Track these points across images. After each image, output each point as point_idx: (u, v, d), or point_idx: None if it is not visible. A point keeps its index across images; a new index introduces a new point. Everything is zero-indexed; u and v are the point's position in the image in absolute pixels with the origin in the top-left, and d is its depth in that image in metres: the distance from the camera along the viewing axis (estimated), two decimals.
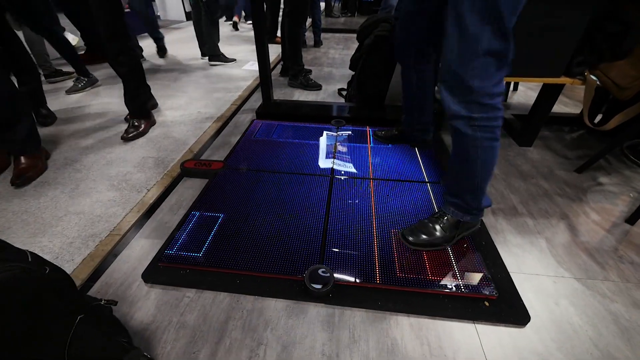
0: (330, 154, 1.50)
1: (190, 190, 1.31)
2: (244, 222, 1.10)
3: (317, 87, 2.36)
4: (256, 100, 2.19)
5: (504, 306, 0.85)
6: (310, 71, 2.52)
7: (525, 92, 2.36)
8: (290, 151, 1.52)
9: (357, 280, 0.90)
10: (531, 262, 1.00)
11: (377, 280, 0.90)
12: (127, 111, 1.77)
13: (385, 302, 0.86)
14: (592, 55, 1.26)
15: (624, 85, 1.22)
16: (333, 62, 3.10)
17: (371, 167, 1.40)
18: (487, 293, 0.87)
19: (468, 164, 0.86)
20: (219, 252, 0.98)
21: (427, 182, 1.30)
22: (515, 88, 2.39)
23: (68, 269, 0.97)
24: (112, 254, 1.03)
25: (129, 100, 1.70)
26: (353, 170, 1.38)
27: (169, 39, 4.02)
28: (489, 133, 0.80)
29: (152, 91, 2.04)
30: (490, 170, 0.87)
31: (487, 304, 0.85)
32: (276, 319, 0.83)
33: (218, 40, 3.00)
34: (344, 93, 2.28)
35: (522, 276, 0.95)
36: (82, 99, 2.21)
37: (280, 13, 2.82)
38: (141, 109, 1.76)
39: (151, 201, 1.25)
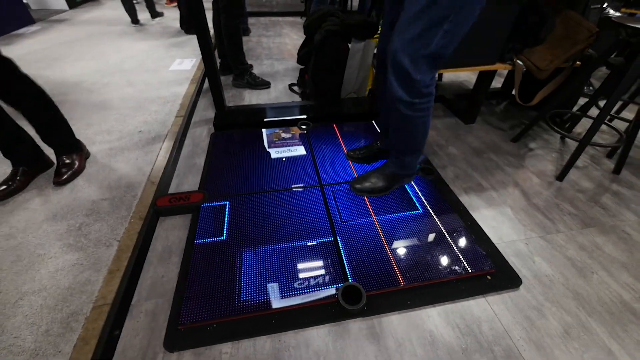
0: (309, 161, 1.49)
1: (174, 231, 1.17)
2: (254, 255, 1.05)
3: (265, 84, 2.24)
4: (204, 109, 2.00)
5: (501, 276, 1.02)
6: (251, 66, 2.37)
7: (455, 72, 2.64)
8: (269, 165, 1.46)
9: (384, 287, 0.97)
10: (506, 231, 1.20)
11: (400, 282, 0.98)
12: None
13: (413, 300, 0.95)
14: (519, 42, 1.48)
15: (542, 68, 1.48)
16: (270, 52, 2.95)
17: (354, 169, 1.45)
18: (487, 268, 1.03)
19: (408, 135, 1.12)
20: (242, 296, 0.93)
21: None
22: None
23: None
24: (111, 330, 0.89)
25: (47, 134, 1.36)
26: (338, 175, 1.41)
27: (53, 36, 3.27)
28: (425, 112, 1.04)
29: (69, 114, 1.68)
30: (424, 137, 1.14)
31: (489, 277, 1.02)
32: (324, 347, 0.85)
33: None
34: (296, 89, 2.23)
35: (504, 244, 1.15)
36: None
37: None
38: (68, 141, 1.44)
39: (129, 254, 1.09)
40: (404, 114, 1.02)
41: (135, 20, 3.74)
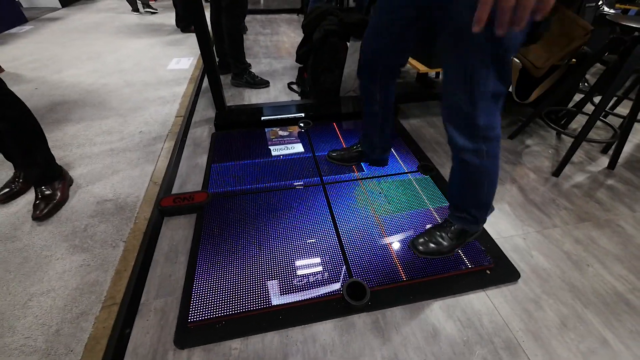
0: (311, 159, 1.51)
1: (180, 230, 1.19)
2: (259, 253, 1.07)
3: (264, 83, 2.25)
4: (204, 109, 2.00)
5: (500, 270, 1.05)
6: (249, 65, 2.37)
7: None
8: (271, 163, 1.48)
9: (387, 283, 0.99)
10: (504, 226, 1.24)
11: (402, 278, 1.01)
12: None
13: (415, 295, 0.97)
14: None
15: (539, 65, 1.51)
16: (268, 51, 2.95)
17: (354, 166, 1.47)
18: (487, 263, 1.06)
19: (476, 187, 0.94)
20: (248, 293, 0.95)
21: (408, 172, 1.44)
22: None
23: None
24: (121, 329, 0.91)
25: (25, 164, 1.23)
26: (340, 173, 1.43)
27: (47, 36, 3.24)
28: (494, 159, 0.88)
29: (68, 115, 1.68)
30: (495, 186, 0.96)
31: (488, 272, 1.05)
32: (331, 341, 0.88)
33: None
34: (295, 87, 2.24)
35: (502, 240, 1.18)
36: None
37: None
38: (48, 170, 1.26)
39: (136, 254, 1.11)
40: (471, 163, 0.87)
41: (136, 9, 4.05)
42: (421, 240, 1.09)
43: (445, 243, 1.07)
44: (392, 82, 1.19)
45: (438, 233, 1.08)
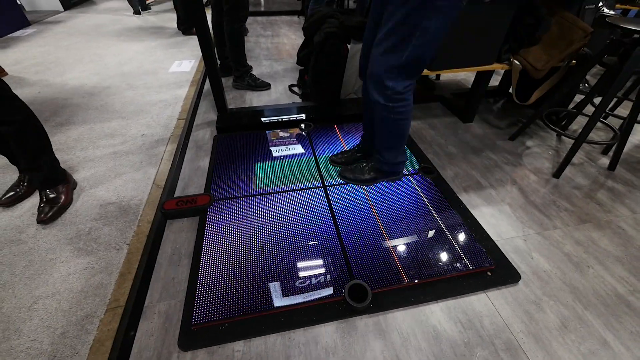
0: (312, 162, 1.52)
1: (183, 233, 1.20)
2: (261, 255, 1.08)
3: (266, 86, 2.26)
4: (206, 111, 2.01)
5: (500, 272, 1.06)
6: (250, 67, 2.38)
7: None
8: (272, 166, 1.49)
9: (388, 285, 1.00)
10: (505, 228, 1.24)
11: (404, 280, 1.01)
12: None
13: (416, 296, 0.98)
14: (515, 42, 1.51)
15: (539, 67, 1.51)
16: (269, 53, 2.96)
17: None
18: (487, 265, 1.06)
19: (385, 133, 1.22)
20: (251, 295, 0.96)
21: (409, 175, 1.45)
22: None
23: None
24: (126, 331, 0.92)
25: (30, 168, 1.24)
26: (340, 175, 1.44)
27: (50, 39, 3.26)
28: (400, 115, 1.12)
29: (71, 118, 1.69)
30: (401, 136, 1.22)
31: (489, 273, 1.05)
32: (332, 343, 0.89)
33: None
34: (296, 90, 2.25)
35: (503, 241, 1.18)
36: None
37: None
38: (52, 173, 1.28)
39: (139, 257, 1.12)
40: (381, 115, 1.14)
41: (137, 11, 4.12)
42: (347, 170, 1.41)
43: (365, 176, 1.37)
44: None
45: (361, 167, 1.39)
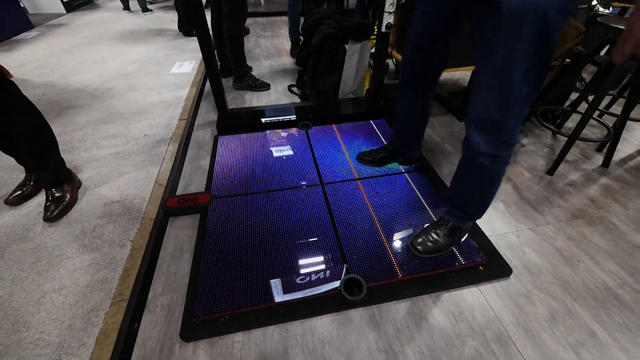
0: (310, 161, 1.55)
1: (184, 230, 1.23)
2: (260, 250, 1.11)
3: (265, 86, 2.29)
4: (207, 112, 2.05)
5: (493, 266, 1.09)
6: (250, 68, 2.42)
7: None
8: (271, 165, 1.52)
9: (383, 279, 1.03)
10: (498, 224, 1.27)
11: (398, 274, 1.05)
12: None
13: (410, 290, 1.01)
14: None
15: None
16: (269, 53, 3.00)
17: (353, 168, 1.51)
18: (480, 260, 1.09)
19: (484, 189, 0.97)
20: (250, 289, 1.00)
21: (405, 172, 1.48)
22: None
23: (83, 356, 0.88)
24: (130, 323, 0.95)
25: (37, 168, 1.28)
26: (338, 174, 1.47)
27: (53, 41, 3.30)
28: (506, 164, 0.90)
29: (75, 119, 1.74)
30: (499, 187, 0.98)
31: (481, 268, 1.08)
32: (328, 334, 0.92)
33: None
34: (295, 90, 2.28)
35: (495, 237, 1.21)
36: None
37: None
38: (58, 173, 1.31)
39: (143, 253, 1.16)
40: (487, 167, 0.88)
41: (127, 7, 4.37)
42: (419, 240, 1.10)
43: (441, 240, 1.09)
44: (432, 91, 1.21)
45: (434, 231, 1.11)
